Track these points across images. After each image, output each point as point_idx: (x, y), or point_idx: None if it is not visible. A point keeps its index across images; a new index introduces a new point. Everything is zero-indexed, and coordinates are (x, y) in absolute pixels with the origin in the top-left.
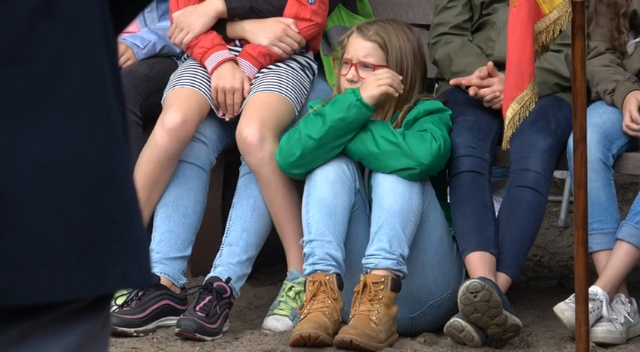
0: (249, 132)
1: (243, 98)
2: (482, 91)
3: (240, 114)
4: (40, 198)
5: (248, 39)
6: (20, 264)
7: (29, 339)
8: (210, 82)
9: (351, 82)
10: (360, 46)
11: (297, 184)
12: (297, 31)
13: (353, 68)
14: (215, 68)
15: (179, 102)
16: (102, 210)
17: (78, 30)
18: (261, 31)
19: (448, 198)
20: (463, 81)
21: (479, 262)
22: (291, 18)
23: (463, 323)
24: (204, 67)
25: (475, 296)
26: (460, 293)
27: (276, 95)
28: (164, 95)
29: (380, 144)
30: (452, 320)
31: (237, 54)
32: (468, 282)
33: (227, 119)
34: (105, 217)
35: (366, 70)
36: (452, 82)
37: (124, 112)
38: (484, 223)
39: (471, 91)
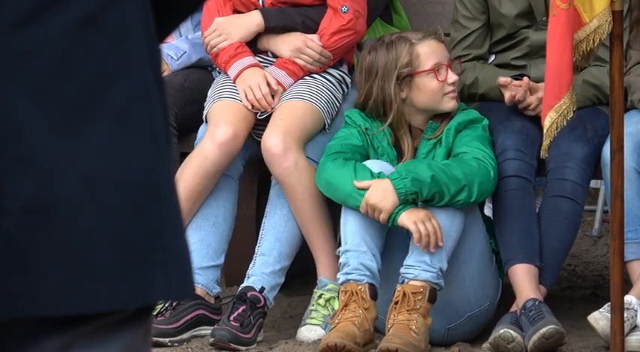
0: (272, 142)
1: (273, 95)
2: (529, 99)
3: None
4: (87, 210)
5: (271, 51)
6: (65, 274)
7: (71, 349)
8: None
9: (453, 84)
10: (443, 49)
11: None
12: (321, 44)
13: (449, 70)
14: (238, 75)
15: (229, 117)
16: (146, 222)
17: (123, 41)
18: (283, 44)
19: (485, 207)
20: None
21: (525, 276)
22: (327, 28)
23: (514, 334)
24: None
25: (547, 339)
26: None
27: (305, 104)
28: (207, 107)
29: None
30: (501, 330)
31: (270, 64)
32: (544, 329)
33: (260, 116)
34: (149, 229)
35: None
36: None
37: (168, 122)
38: (530, 234)
39: (508, 99)
